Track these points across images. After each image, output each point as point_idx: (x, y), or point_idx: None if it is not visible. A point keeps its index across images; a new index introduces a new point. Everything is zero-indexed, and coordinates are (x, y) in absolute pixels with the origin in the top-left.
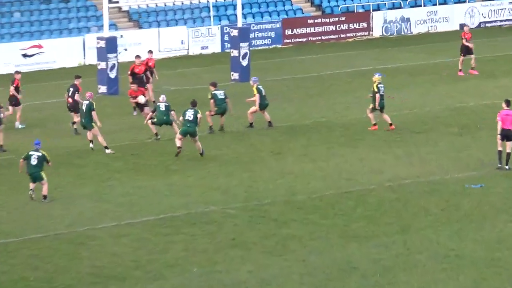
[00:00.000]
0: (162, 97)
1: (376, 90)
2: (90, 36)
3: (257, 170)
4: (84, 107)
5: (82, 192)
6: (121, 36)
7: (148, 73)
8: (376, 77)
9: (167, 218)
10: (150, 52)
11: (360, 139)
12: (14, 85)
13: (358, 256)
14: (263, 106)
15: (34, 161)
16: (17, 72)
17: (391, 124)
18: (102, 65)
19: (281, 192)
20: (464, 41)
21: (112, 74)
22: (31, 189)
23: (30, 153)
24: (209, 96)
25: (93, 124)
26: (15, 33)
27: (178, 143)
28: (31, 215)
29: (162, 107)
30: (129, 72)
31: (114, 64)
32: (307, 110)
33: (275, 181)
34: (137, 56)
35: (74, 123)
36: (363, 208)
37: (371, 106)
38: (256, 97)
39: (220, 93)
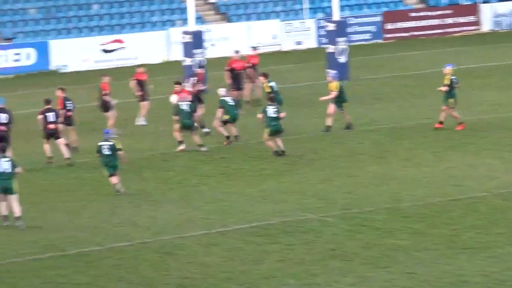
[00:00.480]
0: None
1: (448, 83)
2: (174, 30)
3: (357, 175)
4: (187, 108)
5: (169, 197)
6: (208, 30)
7: (250, 70)
8: (448, 69)
9: (261, 226)
10: (254, 48)
11: (469, 143)
12: (103, 92)
13: (468, 268)
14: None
15: (107, 151)
16: (104, 75)
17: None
18: (188, 61)
19: (384, 199)
20: None
21: (200, 71)
22: (114, 184)
23: (101, 144)
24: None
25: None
26: (94, 26)
27: (272, 147)
28: (114, 222)
29: (230, 101)
30: (227, 68)
31: (201, 60)
32: (410, 111)
33: (377, 187)
34: (237, 51)
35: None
36: (472, 217)
37: (449, 103)
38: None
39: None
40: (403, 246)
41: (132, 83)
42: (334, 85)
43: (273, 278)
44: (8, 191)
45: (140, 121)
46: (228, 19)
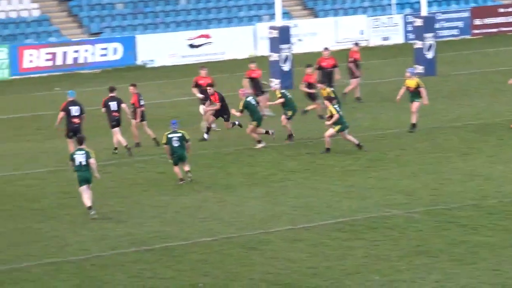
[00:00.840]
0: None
1: None
2: (261, 25)
3: (444, 172)
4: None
5: (254, 193)
6: (295, 25)
7: (351, 65)
8: None
9: (346, 222)
10: (356, 44)
11: None
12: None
13: None
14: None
15: (176, 143)
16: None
17: None
18: (275, 56)
19: (470, 195)
20: None
21: (286, 67)
22: (183, 172)
23: (170, 135)
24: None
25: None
26: (181, 21)
27: (354, 140)
28: (199, 217)
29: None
30: (316, 66)
31: (288, 56)
32: (498, 107)
33: (464, 183)
34: (326, 49)
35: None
36: None
37: None
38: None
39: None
40: (489, 243)
41: (245, 81)
42: (414, 82)
43: (358, 274)
44: (87, 181)
45: (266, 112)
46: (315, 15)
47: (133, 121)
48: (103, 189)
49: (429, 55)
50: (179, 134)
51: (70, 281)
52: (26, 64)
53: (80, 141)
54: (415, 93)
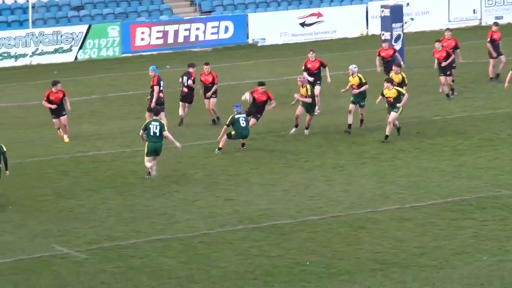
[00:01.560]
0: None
1: None
2: (373, 4)
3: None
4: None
5: (363, 172)
6: (408, 4)
7: (490, 46)
8: None
9: (455, 202)
10: (495, 24)
11: None
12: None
13: None
14: None
15: (243, 123)
16: (191, 66)
17: None
18: (386, 35)
19: None
20: None
21: (397, 45)
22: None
23: (236, 116)
24: None
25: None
26: (293, 0)
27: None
28: (307, 195)
29: None
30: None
31: (400, 34)
32: None
33: None
34: (448, 29)
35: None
36: None
37: None
38: None
39: None
40: None
41: (378, 60)
42: None
43: (466, 254)
44: (156, 153)
45: None
46: None
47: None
48: (212, 167)
49: None
50: (244, 115)
51: (178, 258)
52: (137, 42)
53: (156, 113)
54: None
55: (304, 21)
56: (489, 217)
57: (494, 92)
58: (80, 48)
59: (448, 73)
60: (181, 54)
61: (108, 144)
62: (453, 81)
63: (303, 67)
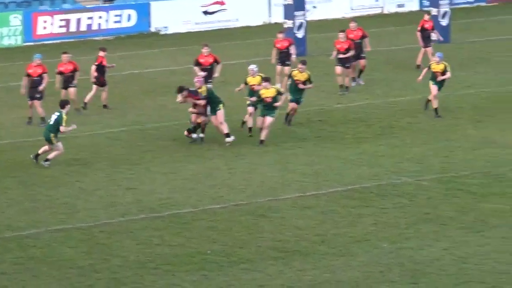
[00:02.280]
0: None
1: None
2: None
3: (455, 139)
4: None
5: (264, 160)
6: None
7: (419, 34)
8: None
9: (355, 190)
10: (428, 13)
11: None
12: (96, 64)
13: None
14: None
15: None
16: (102, 49)
17: None
18: (289, 23)
19: (481, 163)
20: None
21: (300, 34)
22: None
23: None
24: None
25: None
26: None
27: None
28: (209, 184)
29: None
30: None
31: (302, 23)
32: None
33: (475, 151)
34: (353, 20)
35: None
36: None
37: None
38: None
39: None
40: (499, 211)
41: (274, 50)
42: (441, 67)
43: (366, 241)
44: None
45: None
46: None
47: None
48: (114, 156)
49: (444, 22)
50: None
51: (79, 248)
52: (40, 30)
53: (61, 105)
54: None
55: (207, 10)
56: (389, 204)
57: (395, 81)
58: None
59: (347, 65)
60: (84, 42)
61: (10, 134)
62: (361, 70)
63: (194, 62)
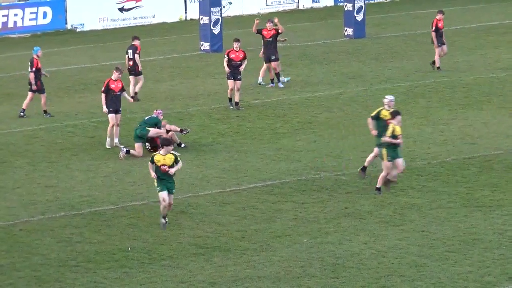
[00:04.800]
0: None
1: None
2: None
3: (368, 135)
4: None
5: (183, 156)
6: None
7: (433, 33)
8: None
9: (275, 185)
10: (440, 12)
11: (485, 101)
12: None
13: (482, 226)
14: None
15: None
16: (136, 38)
17: None
18: (205, 19)
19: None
20: None
21: (216, 30)
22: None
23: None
24: None
25: None
26: None
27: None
28: (129, 181)
29: None
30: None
31: (218, 18)
32: (427, 69)
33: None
34: (269, 21)
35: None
36: (487, 175)
37: None
38: None
39: None
40: (416, 204)
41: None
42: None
43: (286, 236)
44: None
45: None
46: None
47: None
48: (32, 154)
49: (359, 17)
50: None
51: None
52: None
53: None
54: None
55: (123, 6)
56: (309, 199)
57: (311, 76)
58: None
59: (273, 58)
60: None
61: None
62: (277, 74)
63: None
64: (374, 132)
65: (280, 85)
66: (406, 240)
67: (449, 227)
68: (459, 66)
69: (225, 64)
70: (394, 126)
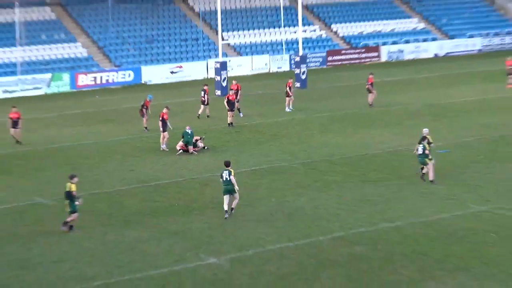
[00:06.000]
0: None
1: None
2: (211, 60)
3: (309, 142)
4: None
5: (207, 155)
6: (230, 60)
7: (369, 86)
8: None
9: (255, 170)
10: (371, 73)
11: (372, 124)
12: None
13: (371, 192)
14: None
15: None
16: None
17: None
18: (218, 78)
19: (324, 154)
20: None
21: (224, 83)
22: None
23: None
24: None
25: None
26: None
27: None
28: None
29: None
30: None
31: (225, 77)
32: (346, 105)
33: (321, 148)
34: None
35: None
36: (374, 164)
37: None
38: None
39: None
40: (335, 180)
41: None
42: None
43: (264, 198)
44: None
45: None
46: (241, 54)
47: None
48: None
49: (303, 76)
50: None
51: None
52: None
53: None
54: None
55: (173, 70)
56: (277, 177)
57: (276, 109)
58: None
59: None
60: None
61: None
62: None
63: None
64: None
65: (241, 115)
66: (329, 200)
67: (352, 193)
68: (359, 103)
69: (225, 102)
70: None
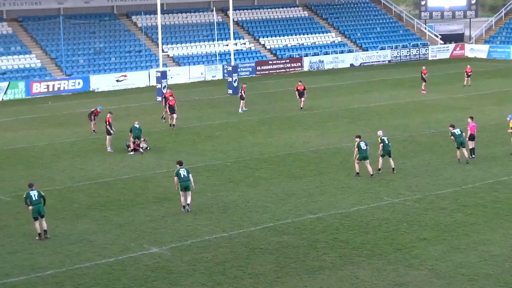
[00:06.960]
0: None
1: None
2: (152, 70)
3: (241, 142)
4: None
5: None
6: (169, 70)
7: (296, 92)
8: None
9: (192, 168)
10: (300, 81)
11: (297, 125)
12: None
13: (296, 187)
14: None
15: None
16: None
17: None
18: (159, 86)
19: (255, 153)
20: None
21: (164, 91)
22: None
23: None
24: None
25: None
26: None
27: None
28: None
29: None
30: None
31: (165, 85)
32: (273, 108)
33: (252, 147)
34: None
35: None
36: (299, 161)
37: None
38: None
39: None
40: (264, 176)
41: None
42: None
43: (200, 192)
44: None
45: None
46: (179, 64)
47: None
48: None
49: (235, 84)
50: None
51: None
52: None
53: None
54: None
55: (118, 78)
56: (211, 174)
57: (214, 113)
58: None
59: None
60: None
61: None
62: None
63: None
64: None
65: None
66: (260, 194)
67: (281, 186)
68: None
69: (166, 107)
70: None
